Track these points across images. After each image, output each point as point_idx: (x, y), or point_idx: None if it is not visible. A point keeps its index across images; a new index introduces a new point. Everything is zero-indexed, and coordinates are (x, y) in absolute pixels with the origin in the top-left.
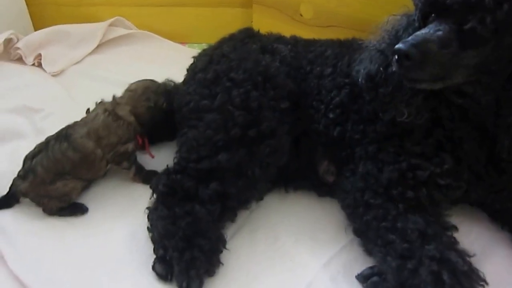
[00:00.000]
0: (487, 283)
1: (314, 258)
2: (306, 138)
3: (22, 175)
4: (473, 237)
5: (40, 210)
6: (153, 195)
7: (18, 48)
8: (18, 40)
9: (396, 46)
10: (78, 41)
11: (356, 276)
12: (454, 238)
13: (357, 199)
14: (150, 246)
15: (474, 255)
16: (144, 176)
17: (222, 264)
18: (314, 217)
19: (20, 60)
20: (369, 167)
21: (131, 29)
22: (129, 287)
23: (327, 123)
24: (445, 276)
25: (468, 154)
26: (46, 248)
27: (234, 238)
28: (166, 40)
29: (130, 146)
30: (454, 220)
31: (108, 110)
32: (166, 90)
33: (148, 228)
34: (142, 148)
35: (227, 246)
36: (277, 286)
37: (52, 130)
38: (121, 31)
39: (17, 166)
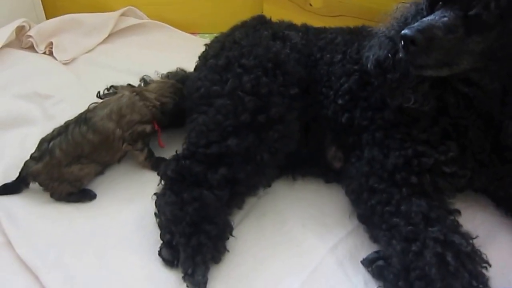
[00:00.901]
0: (489, 265)
1: (321, 243)
2: (315, 124)
3: (36, 157)
4: (478, 223)
5: (47, 195)
6: (161, 181)
7: (30, 36)
8: (30, 28)
9: (402, 32)
10: (90, 30)
11: (361, 261)
12: (457, 221)
13: (362, 184)
14: (157, 232)
15: (476, 236)
16: (154, 162)
17: (228, 251)
18: (321, 202)
19: (31, 48)
20: (375, 153)
21: (143, 19)
22: (136, 272)
23: (335, 109)
24: (449, 258)
25: (473, 142)
26: (53, 233)
27: (242, 223)
28: (177, 30)
29: (148, 127)
30: (458, 205)
31: (136, 91)
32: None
33: (155, 213)
34: (154, 135)
35: (235, 231)
36: (284, 270)
37: (62, 117)
38: (132, 21)
39: (27, 152)
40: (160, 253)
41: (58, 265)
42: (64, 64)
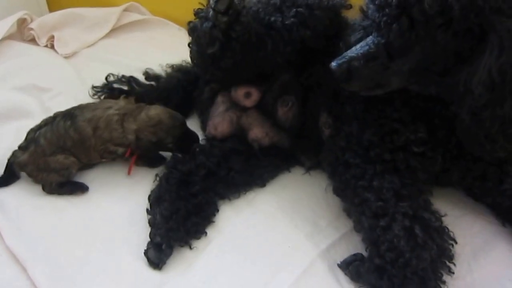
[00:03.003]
0: (456, 242)
1: (313, 245)
2: (313, 94)
3: (23, 146)
4: (476, 230)
5: (39, 187)
6: (156, 177)
7: (32, 29)
8: (32, 21)
9: (332, 63)
10: (92, 25)
11: (338, 264)
12: (429, 200)
13: (338, 158)
14: (147, 228)
15: (445, 214)
16: (149, 160)
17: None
18: (315, 203)
19: (33, 40)
20: (354, 128)
21: (146, 15)
22: (124, 268)
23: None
24: (417, 230)
25: (440, 129)
26: (43, 226)
27: (234, 222)
28: (180, 27)
29: (120, 149)
30: (457, 212)
31: (120, 112)
32: (182, 128)
33: (147, 210)
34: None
35: (226, 230)
36: (274, 271)
37: (59, 110)
38: (135, 17)
39: None
40: (146, 253)
41: (46, 258)
42: (65, 58)
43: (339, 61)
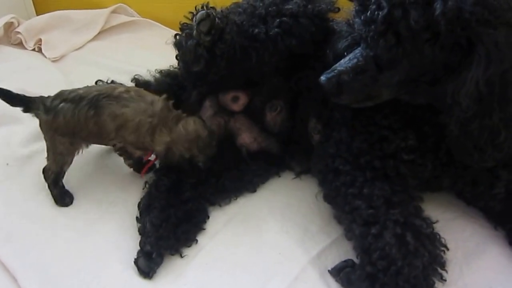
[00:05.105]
0: (447, 249)
1: (304, 251)
2: (302, 100)
3: (48, 107)
4: (468, 234)
5: (27, 195)
6: (145, 185)
7: (19, 33)
8: (19, 24)
9: (321, 77)
10: (80, 27)
11: (329, 271)
12: (420, 206)
13: (328, 165)
14: (137, 237)
15: (437, 221)
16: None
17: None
18: (305, 209)
19: (20, 44)
20: (343, 134)
21: (134, 16)
22: (115, 276)
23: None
24: (409, 238)
25: (429, 136)
26: (34, 235)
27: (225, 229)
28: (169, 28)
29: (138, 153)
30: (449, 215)
31: (153, 122)
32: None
33: (137, 218)
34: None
35: (218, 238)
36: (265, 278)
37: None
38: (123, 18)
39: (11, 150)
40: (136, 262)
41: (36, 267)
42: (53, 61)
43: (328, 75)
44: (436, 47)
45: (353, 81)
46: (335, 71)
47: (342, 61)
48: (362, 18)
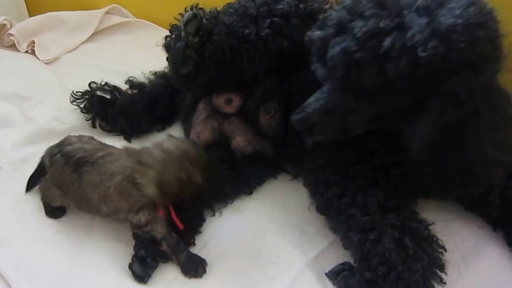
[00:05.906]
0: (445, 250)
1: (301, 254)
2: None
3: (50, 152)
4: (466, 235)
5: (21, 199)
6: None
7: (11, 35)
8: (11, 26)
9: (292, 116)
10: (73, 29)
11: (326, 274)
12: (415, 210)
13: (317, 177)
14: (132, 242)
15: (433, 223)
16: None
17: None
18: (303, 210)
19: (13, 46)
20: (332, 146)
21: (128, 17)
22: (110, 281)
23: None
24: (407, 241)
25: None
26: (28, 240)
27: (221, 232)
28: (163, 29)
29: (143, 217)
30: (447, 217)
31: (126, 173)
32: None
33: None
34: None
35: (214, 241)
36: (262, 281)
37: (42, 118)
38: (117, 19)
39: (5, 153)
40: (130, 267)
41: (30, 272)
42: (46, 63)
43: (298, 116)
44: (394, 99)
45: (323, 122)
46: (304, 112)
47: (311, 98)
48: (322, 72)
